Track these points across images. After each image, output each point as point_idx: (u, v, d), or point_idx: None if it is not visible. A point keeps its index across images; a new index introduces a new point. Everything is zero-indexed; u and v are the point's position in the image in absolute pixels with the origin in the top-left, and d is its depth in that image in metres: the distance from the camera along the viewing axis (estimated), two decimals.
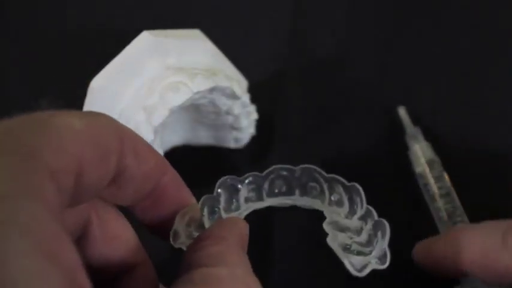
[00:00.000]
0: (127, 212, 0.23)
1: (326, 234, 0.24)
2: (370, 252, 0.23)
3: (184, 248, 0.22)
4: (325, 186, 0.26)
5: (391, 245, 0.25)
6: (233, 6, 0.44)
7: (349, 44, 0.42)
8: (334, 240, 0.23)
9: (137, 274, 0.22)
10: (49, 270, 0.13)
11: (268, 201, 0.26)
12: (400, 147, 0.34)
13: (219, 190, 0.25)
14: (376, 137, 0.36)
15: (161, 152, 0.32)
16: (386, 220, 0.25)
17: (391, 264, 0.25)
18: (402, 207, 0.32)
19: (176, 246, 0.22)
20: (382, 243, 0.23)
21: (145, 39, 0.30)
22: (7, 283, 0.13)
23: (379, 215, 0.25)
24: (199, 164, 0.35)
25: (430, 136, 0.34)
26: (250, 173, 0.26)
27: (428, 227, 0.31)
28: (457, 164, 0.33)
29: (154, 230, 0.23)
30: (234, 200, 0.25)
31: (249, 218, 0.25)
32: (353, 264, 0.23)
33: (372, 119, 0.38)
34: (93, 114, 0.19)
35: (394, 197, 0.33)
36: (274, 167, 0.26)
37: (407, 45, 0.41)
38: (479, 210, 0.29)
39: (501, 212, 0.27)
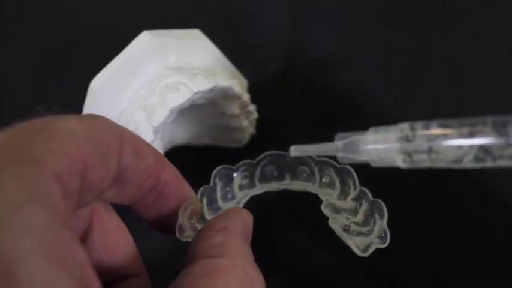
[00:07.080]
0: (131, 213, 0.23)
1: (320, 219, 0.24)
2: (369, 232, 0.23)
3: None
4: (315, 169, 0.26)
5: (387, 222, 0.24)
6: (233, 6, 0.44)
7: (349, 44, 0.42)
8: (335, 222, 0.23)
9: (131, 284, 0.22)
10: (57, 275, 0.14)
11: (261, 188, 0.26)
12: None
13: (215, 180, 0.25)
14: None
15: (161, 152, 0.32)
16: (382, 200, 0.25)
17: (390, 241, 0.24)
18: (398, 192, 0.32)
19: (183, 239, 0.22)
20: (382, 223, 0.23)
21: (145, 39, 0.30)
22: None
23: (374, 196, 0.25)
24: (199, 164, 0.35)
25: None
26: (243, 161, 0.26)
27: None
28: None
29: (159, 227, 0.23)
30: (228, 189, 0.26)
31: (247, 206, 0.25)
32: (357, 245, 0.23)
33: (371, 119, 0.38)
34: (90, 116, 0.19)
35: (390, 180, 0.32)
36: (265, 153, 0.26)
37: (407, 45, 0.41)
38: None
39: None
